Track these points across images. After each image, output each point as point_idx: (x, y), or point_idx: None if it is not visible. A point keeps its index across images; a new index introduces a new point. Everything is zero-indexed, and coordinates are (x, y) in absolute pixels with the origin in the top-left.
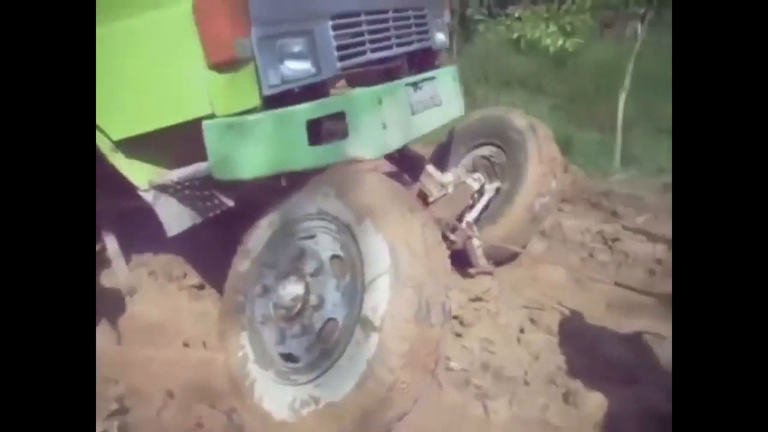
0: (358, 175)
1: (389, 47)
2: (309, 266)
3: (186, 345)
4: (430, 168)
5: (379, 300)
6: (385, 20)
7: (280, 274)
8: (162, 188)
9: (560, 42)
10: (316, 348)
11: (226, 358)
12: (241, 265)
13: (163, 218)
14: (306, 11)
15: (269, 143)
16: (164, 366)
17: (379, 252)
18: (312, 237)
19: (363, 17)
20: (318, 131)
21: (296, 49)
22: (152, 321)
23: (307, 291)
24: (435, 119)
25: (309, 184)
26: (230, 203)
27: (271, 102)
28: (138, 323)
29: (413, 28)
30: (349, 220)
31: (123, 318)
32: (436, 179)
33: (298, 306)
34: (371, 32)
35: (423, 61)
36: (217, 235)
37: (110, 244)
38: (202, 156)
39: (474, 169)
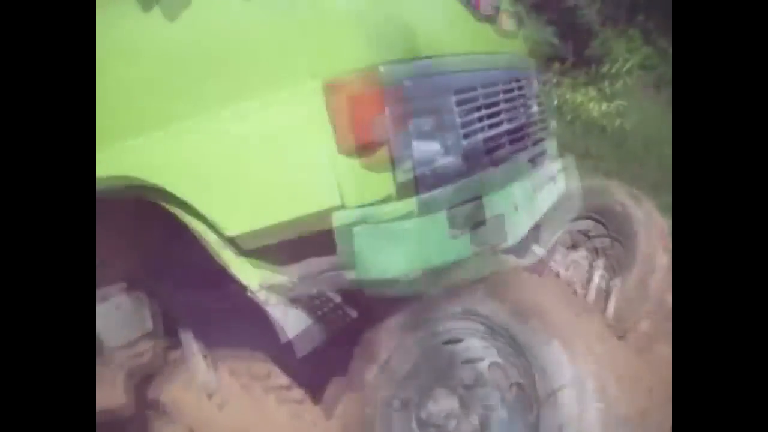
0: (511, 273)
1: (500, 123)
2: (463, 376)
3: None
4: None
5: (564, 417)
6: (496, 93)
7: (423, 385)
8: (275, 289)
9: (604, 106)
10: None
11: None
12: (366, 371)
13: (277, 322)
14: (433, 86)
15: (412, 236)
16: None
17: (555, 360)
18: (459, 341)
19: (479, 90)
20: (454, 220)
21: (426, 128)
22: (238, 427)
23: (465, 406)
24: (550, 197)
25: (448, 279)
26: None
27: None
28: (225, 430)
29: (518, 101)
30: (507, 322)
31: (202, 424)
32: (565, 259)
33: (454, 424)
34: (486, 106)
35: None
36: None
37: (187, 340)
38: (321, 251)
39: (573, 246)
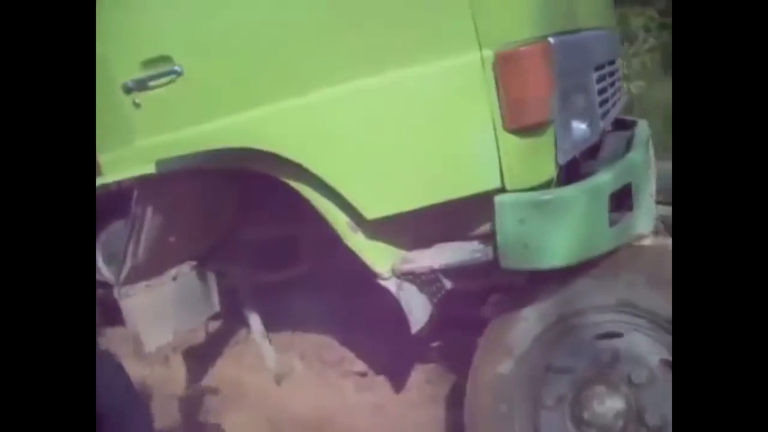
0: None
1: (615, 103)
2: (631, 373)
3: None
4: None
5: None
6: (613, 72)
7: (578, 381)
8: (407, 276)
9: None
10: None
11: None
12: (499, 365)
13: (409, 311)
14: (585, 61)
15: (576, 224)
16: None
17: None
18: (617, 335)
19: (607, 68)
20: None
21: (580, 106)
22: (312, 414)
23: (637, 406)
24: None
25: (597, 269)
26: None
27: None
28: (294, 417)
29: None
30: None
31: (272, 410)
32: None
33: (621, 424)
34: (611, 85)
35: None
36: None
37: (255, 323)
38: (449, 236)
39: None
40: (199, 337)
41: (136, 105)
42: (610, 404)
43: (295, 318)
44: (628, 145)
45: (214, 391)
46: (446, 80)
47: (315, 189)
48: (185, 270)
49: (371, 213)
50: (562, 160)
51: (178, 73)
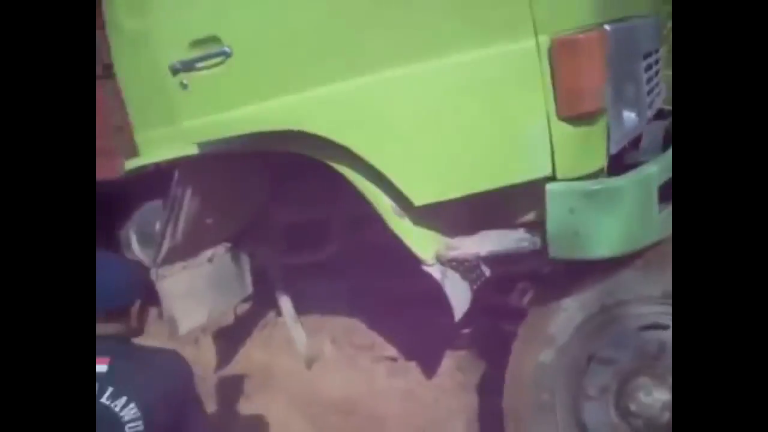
0: None
1: (659, 92)
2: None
3: None
4: None
5: None
6: (658, 60)
7: (622, 372)
8: (452, 262)
9: None
10: None
11: None
12: (540, 354)
13: (453, 299)
14: (635, 49)
15: (626, 215)
16: None
17: None
18: (663, 327)
19: (653, 56)
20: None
21: (631, 95)
22: (342, 399)
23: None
24: None
25: (642, 260)
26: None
27: None
28: (324, 400)
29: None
30: None
31: (302, 393)
32: None
33: (668, 415)
34: (656, 74)
35: None
36: (406, 297)
37: (285, 305)
38: (492, 224)
39: None
40: (229, 318)
41: (183, 86)
42: (657, 395)
43: (326, 301)
44: (667, 136)
45: (244, 373)
46: (501, 66)
47: (361, 174)
48: (220, 252)
49: (419, 199)
50: (614, 150)
51: (228, 55)
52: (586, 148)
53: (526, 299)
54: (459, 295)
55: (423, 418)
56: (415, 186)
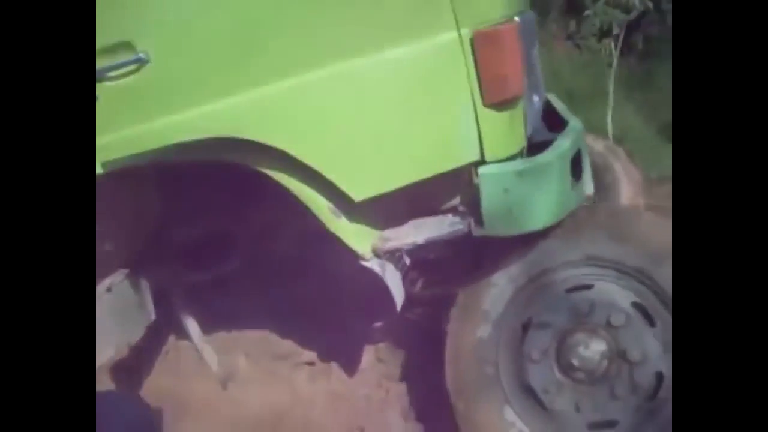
0: (635, 215)
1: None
2: (609, 318)
3: None
4: None
5: None
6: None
7: (558, 333)
8: (389, 255)
9: None
10: (643, 408)
11: None
12: (477, 330)
13: (393, 290)
14: (532, 37)
15: (552, 188)
16: None
17: None
18: (588, 287)
19: (537, 46)
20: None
21: (535, 81)
22: (267, 412)
23: (618, 346)
24: None
25: (560, 229)
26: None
27: None
28: (248, 417)
29: None
30: (642, 264)
31: (226, 414)
32: None
33: (606, 363)
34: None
35: None
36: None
37: (191, 326)
38: (417, 213)
39: None
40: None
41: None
42: (595, 348)
43: (232, 316)
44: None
45: (155, 406)
46: (426, 60)
47: (295, 177)
48: (118, 279)
49: (359, 195)
50: (529, 131)
51: (144, 61)
52: (510, 131)
53: (418, 287)
54: (397, 287)
55: (358, 415)
56: (354, 182)
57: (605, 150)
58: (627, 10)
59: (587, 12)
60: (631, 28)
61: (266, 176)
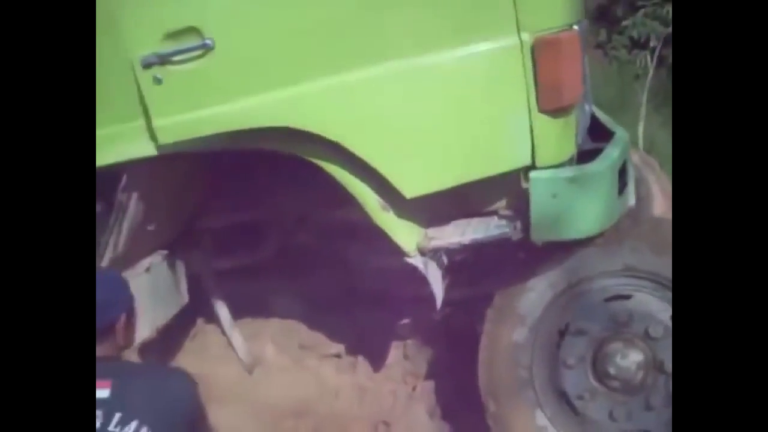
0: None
1: None
2: (647, 329)
3: None
4: None
5: None
6: None
7: (595, 341)
8: (433, 252)
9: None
10: None
11: None
12: (513, 333)
13: (435, 288)
14: (585, 46)
15: (600, 197)
16: None
17: None
18: (626, 297)
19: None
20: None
21: (587, 89)
22: (292, 402)
23: (655, 357)
24: None
25: (601, 238)
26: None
27: None
28: (272, 406)
29: None
30: None
31: (251, 400)
32: None
33: (642, 374)
34: None
35: None
36: (345, 293)
37: (222, 311)
38: (463, 214)
39: None
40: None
41: (157, 80)
42: (632, 357)
43: (262, 304)
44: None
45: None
46: (485, 62)
47: (347, 170)
48: (157, 260)
49: (411, 192)
50: (580, 139)
51: (209, 47)
52: (562, 138)
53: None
54: (438, 285)
55: (383, 410)
56: (406, 179)
57: (640, 162)
58: (666, 22)
59: (625, 22)
60: (666, 40)
61: (317, 167)
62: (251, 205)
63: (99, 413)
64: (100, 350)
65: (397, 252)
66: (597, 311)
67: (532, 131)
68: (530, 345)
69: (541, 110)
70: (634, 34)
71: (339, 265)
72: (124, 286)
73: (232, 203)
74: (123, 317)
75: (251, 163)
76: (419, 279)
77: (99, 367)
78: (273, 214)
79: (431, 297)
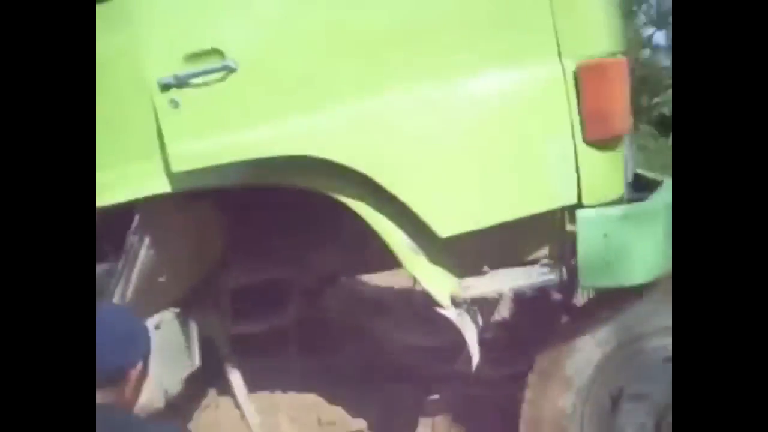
0: None
1: None
2: None
3: None
4: None
5: None
6: None
7: (657, 406)
8: (470, 303)
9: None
10: None
11: None
12: (559, 399)
13: (470, 344)
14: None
15: (656, 239)
16: None
17: None
18: None
19: None
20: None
21: (633, 122)
22: None
23: None
24: None
25: (656, 289)
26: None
27: None
28: None
29: None
30: None
31: None
32: None
33: None
34: None
35: None
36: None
37: (236, 381)
38: (507, 261)
39: None
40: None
41: (174, 103)
42: None
43: (280, 374)
44: None
45: None
46: (526, 90)
47: (374, 207)
48: (168, 317)
49: (445, 230)
50: (629, 176)
51: (232, 69)
52: (610, 173)
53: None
54: (473, 341)
55: None
56: (440, 216)
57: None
58: None
59: (656, 99)
60: None
61: (341, 205)
62: (275, 262)
63: None
64: (105, 396)
65: (427, 331)
66: (656, 373)
67: (577, 165)
68: (579, 412)
69: (587, 141)
70: (666, 111)
71: (363, 337)
72: (146, 329)
73: (254, 259)
74: (140, 365)
75: (277, 215)
76: (449, 355)
77: (104, 418)
78: (298, 272)
79: (462, 372)
